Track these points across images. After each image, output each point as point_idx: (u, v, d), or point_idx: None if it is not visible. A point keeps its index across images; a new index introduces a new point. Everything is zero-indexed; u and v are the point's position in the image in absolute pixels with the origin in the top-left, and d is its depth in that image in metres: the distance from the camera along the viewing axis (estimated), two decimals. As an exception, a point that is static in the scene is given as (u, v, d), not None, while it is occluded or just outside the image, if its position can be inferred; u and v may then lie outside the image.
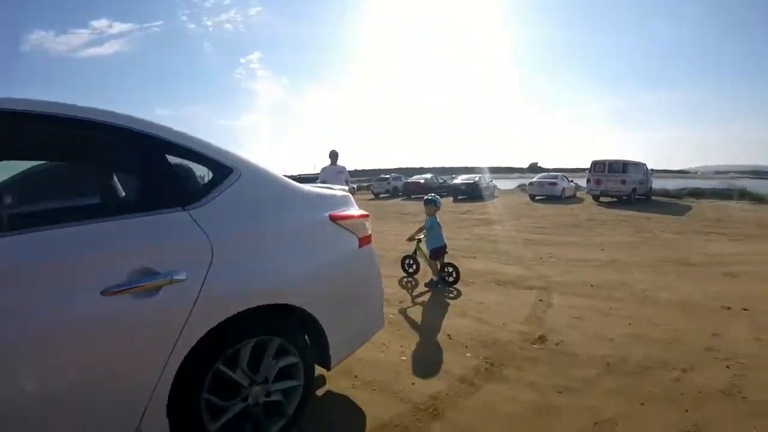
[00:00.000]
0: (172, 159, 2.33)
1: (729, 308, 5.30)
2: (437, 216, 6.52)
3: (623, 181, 22.69)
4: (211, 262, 2.13)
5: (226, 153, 2.46)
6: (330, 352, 2.71)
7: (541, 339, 4.40)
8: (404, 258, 7.07)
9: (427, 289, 6.30)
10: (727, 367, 3.73)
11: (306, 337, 2.70)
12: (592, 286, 6.38)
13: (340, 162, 9.01)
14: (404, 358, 4.03)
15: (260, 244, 2.40)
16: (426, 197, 6.67)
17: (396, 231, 12.78)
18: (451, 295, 6.03)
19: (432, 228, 6.38)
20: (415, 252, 6.86)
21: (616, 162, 23.26)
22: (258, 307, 2.31)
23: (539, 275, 7.07)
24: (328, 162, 8.95)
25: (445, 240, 6.45)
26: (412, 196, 29.68)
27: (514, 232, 12.37)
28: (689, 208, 19.91)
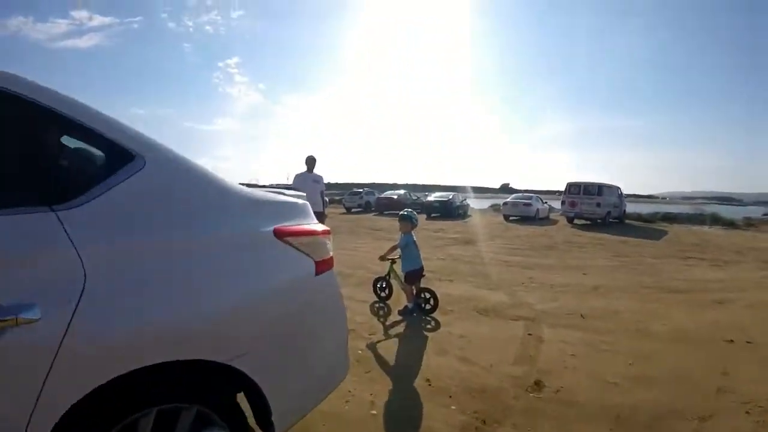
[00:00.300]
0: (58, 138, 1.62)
1: (731, 341, 4.89)
2: (413, 234, 5.87)
3: (598, 204, 22.45)
4: (82, 292, 1.38)
5: (129, 133, 1.67)
6: (273, 418, 1.87)
7: (538, 385, 3.73)
8: (376, 280, 6.37)
9: (401, 318, 5.61)
10: (747, 413, 3.30)
11: (237, 399, 1.92)
12: (582, 316, 5.83)
13: (317, 171, 8.32)
14: (374, 411, 3.27)
15: (164, 265, 1.60)
16: (402, 213, 5.96)
17: (368, 247, 12.22)
18: (428, 325, 5.38)
19: (407, 247, 5.72)
20: (388, 273, 6.14)
21: (592, 185, 23.02)
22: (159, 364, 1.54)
23: (523, 302, 6.50)
24: (303, 170, 8.24)
25: (422, 261, 5.87)
26: (385, 212, 28.99)
27: (491, 254, 11.82)
28: (665, 232, 19.92)
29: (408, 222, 5.76)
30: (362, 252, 11.39)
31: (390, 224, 19.84)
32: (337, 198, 41.81)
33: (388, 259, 6.06)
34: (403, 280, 5.77)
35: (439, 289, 6.45)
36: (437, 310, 5.70)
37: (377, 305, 6.12)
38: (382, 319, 5.56)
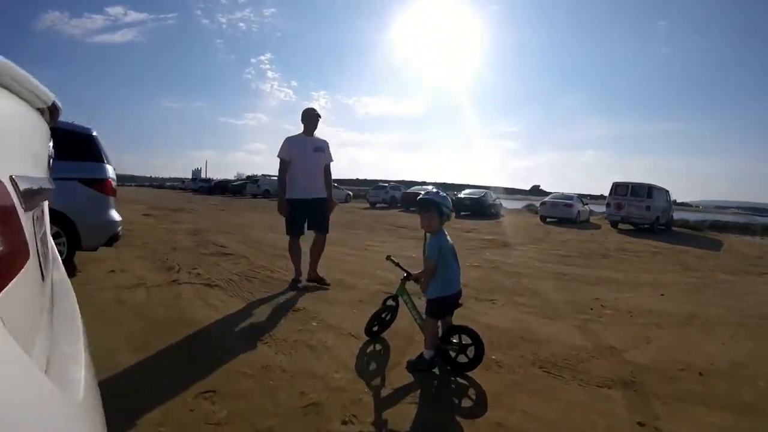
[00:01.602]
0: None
1: None
2: (446, 232, 3.51)
3: (648, 207, 20.30)
4: None
5: None
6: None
7: None
8: (383, 306, 4.07)
9: (410, 376, 3.36)
10: None
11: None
12: (701, 374, 3.71)
13: (319, 134, 6.08)
14: None
15: None
16: (421, 196, 3.51)
17: (384, 248, 10.23)
18: (462, 398, 3.13)
19: (438, 256, 3.37)
20: (396, 296, 3.96)
21: (641, 185, 20.86)
22: None
23: (604, 346, 4.32)
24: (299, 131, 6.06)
25: (460, 281, 3.56)
26: (411, 209, 27.19)
27: (537, 261, 9.66)
28: (719, 243, 17.83)
29: (433, 211, 3.40)
30: (374, 252, 9.44)
31: (415, 221, 17.75)
32: (362, 193, 41.39)
33: (395, 264, 3.96)
34: (425, 312, 3.50)
35: (478, 317, 4.50)
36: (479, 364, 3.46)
37: (369, 348, 3.93)
38: (376, 380, 3.30)
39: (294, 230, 5.82)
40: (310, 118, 5.95)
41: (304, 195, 5.75)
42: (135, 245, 8.56)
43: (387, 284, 6.00)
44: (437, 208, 3.39)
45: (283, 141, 5.91)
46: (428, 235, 3.44)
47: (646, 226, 20.70)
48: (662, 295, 6.85)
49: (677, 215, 26.60)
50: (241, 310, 4.78)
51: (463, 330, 3.45)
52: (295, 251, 5.91)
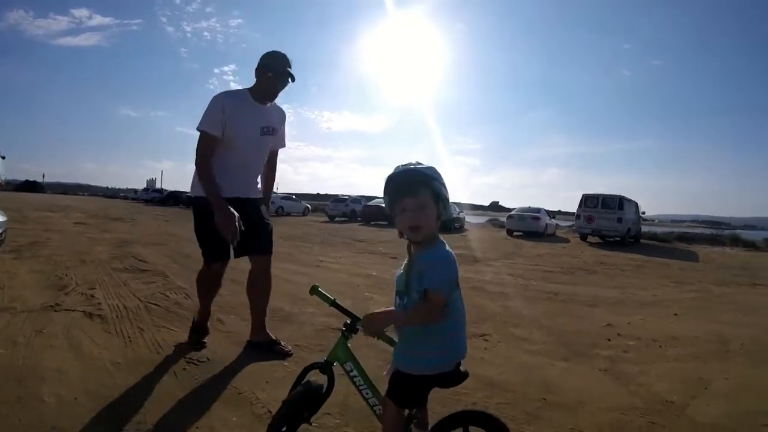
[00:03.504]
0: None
1: None
2: (447, 246, 1.66)
3: (619, 219, 19.72)
4: None
5: None
6: None
7: None
8: (300, 388, 1.93)
9: None
10: None
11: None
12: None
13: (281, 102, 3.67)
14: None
15: None
16: (398, 169, 1.65)
17: (338, 264, 8.94)
18: None
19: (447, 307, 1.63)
20: (329, 364, 1.94)
21: (611, 197, 20.30)
22: None
23: (655, 400, 3.00)
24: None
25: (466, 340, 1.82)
26: (371, 222, 26.16)
27: (519, 279, 8.33)
28: (694, 254, 17.45)
29: (426, 194, 1.60)
30: (327, 270, 8.13)
31: (375, 235, 17.17)
32: (322, 207, 40.21)
33: (330, 303, 2.01)
34: (389, 394, 1.73)
35: (470, 365, 3.06)
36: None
37: None
38: None
39: (216, 250, 3.32)
40: (277, 74, 3.36)
41: (237, 192, 3.35)
42: (40, 255, 7.29)
43: (341, 315, 4.25)
44: (431, 187, 1.62)
45: (211, 100, 3.28)
46: (414, 249, 1.68)
47: (617, 238, 20.09)
48: (675, 314, 5.88)
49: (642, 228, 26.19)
50: (108, 362, 3.11)
51: (472, 419, 1.83)
52: (208, 283, 3.50)
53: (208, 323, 3.66)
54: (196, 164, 3.22)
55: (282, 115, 3.66)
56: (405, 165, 1.66)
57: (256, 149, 3.47)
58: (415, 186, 1.61)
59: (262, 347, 3.49)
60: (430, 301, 1.57)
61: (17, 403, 2.44)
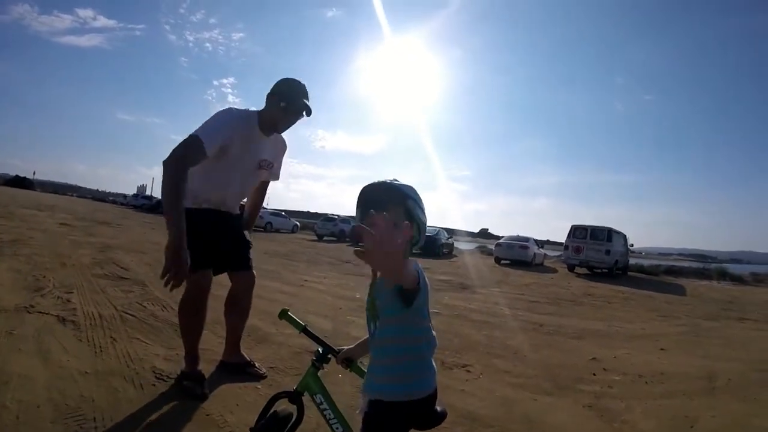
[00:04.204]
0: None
1: None
2: (419, 267, 1.38)
3: (607, 251, 19.66)
4: None
5: None
6: None
7: None
8: (267, 420, 1.83)
9: None
10: None
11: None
12: None
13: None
14: None
15: None
16: (368, 187, 1.52)
17: (322, 284, 8.81)
18: None
19: (402, 329, 1.48)
20: (298, 394, 1.84)
21: (600, 229, 20.28)
22: None
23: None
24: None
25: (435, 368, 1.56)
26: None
27: (504, 308, 8.22)
28: (681, 287, 17.37)
29: (398, 209, 1.47)
30: (311, 290, 7.96)
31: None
32: (311, 225, 39.94)
33: (300, 329, 1.98)
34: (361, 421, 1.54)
35: (450, 397, 3.16)
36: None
37: None
38: None
39: (199, 261, 2.68)
40: (292, 107, 2.98)
41: (218, 205, 3.06)
42: (20, 255, 7.19)
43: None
44: (404, 206, 1.49)
45: (224, 115, 2.88)
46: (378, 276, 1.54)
47: (604, 270, 20.03)
48: (662, 349, 5.81)
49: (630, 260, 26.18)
50: (74, 370, 2.98)
51: None
52: (193, 311, 2.99)
53: (197, 364, 3.04)
54: (167, 163, 2.53)
55: (283, 147, 3.36)
56: (380, 183, 1.53)
57: (248, 178, 3.19)
58: (388, 201, 1.48)
59: (236, 368, 3.32)
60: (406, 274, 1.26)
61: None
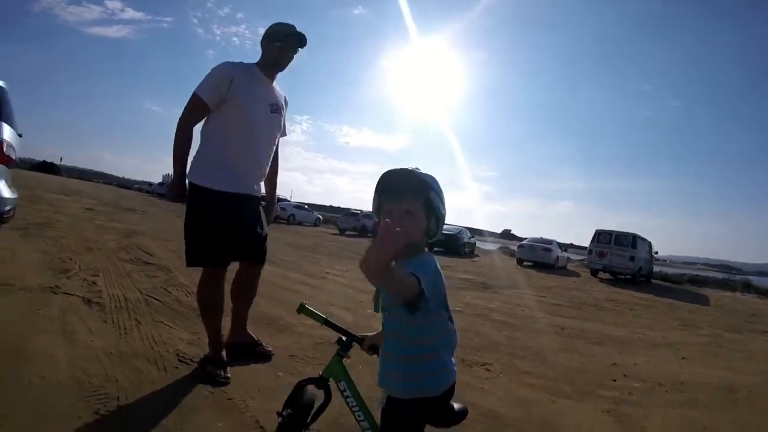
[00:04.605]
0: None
1: None
2: (435, 260, 1.47)
3: (632, 258, 19.37)
4: None
5: None
6: None
7: None
8: (297, 400, 1.82)
9: None
10: None
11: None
12: None
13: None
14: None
15: None
16: (390, 173, 1.49)
17: (344, 278, 8.92)
18: None
19: (430, 294, 1.31)
20: (324, 379, 1.83)
21: (625, 235, 20.02)
22: None
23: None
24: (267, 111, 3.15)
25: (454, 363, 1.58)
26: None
27: (525, 309, 8.18)
28: (705, 297, 16.87)
29: (418, 201, 1.45)
30: (332, 282, 8.16)
31: None
32: (333, 219, 40.05)
33: (321, 321, 1.95)
34: (380, 412, 1.58)
35: (470, 395, 3.26)
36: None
37: None
38: None
39: (213, 255, 2.95)
40: (287, 41, 3.09)
41: (242, 188, 3.02)
42: (47, 236, 7.29)
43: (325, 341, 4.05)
44: (424, 196, 1.46)
45: (217, 67, 3.01)
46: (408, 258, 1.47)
47: (627, 276, 19.75)
48: (683, 358, 5.70)
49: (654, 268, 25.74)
50: (99, 350, 3.03)
51: None
52: (214, 301, 3.06)
53: (222, 352, 3.08)
54: (178, 127, 2.94)
55: (285, 99, 3.37)
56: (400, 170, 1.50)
57: (267, 129, 3.15)
58: (407, 190, 1.46)
59: (243, 348, 3.35)
60: (403, 281, 1.26)
61: (1, 381, 2.40)
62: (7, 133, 4.51)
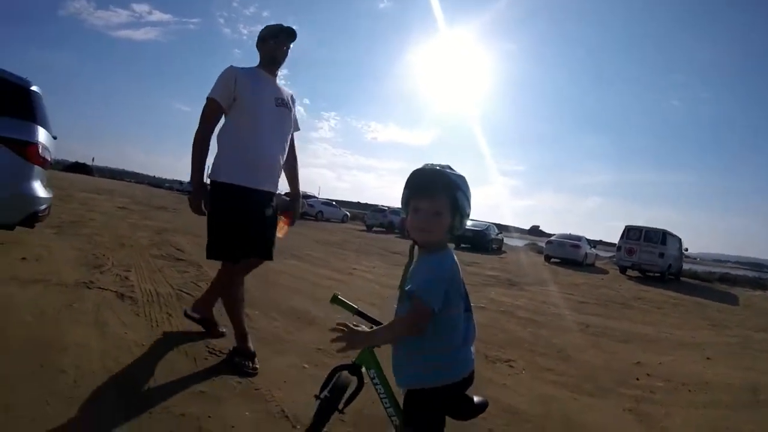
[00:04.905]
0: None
1: None
2: (453, 257, 1.60)
3: (661, 254, 19.02)
4: None
5: None
6: None
7: None
8: (333, 386, 1.86)
9: None
10: None
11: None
12: None
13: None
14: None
15: None
16: (420, 167, 1.59)
17: (371, 274, 9.00)
18: None
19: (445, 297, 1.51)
20: (357, 366, 1.90)
21: (655, 231, 19.64)
22: None
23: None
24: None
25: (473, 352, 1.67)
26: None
27: (550, 306, 8.15)
28: (734, 296, 16.43)
29: (443, 199, 1.54)
30: (359, 278, 8.16)
31: None
32: (361, 216, 40.52)
33: (353, 311, 2.01)
34: (404, 412, 1.69)
35: (492, 390, 3.31)
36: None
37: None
38: None
39: (236, 251, 3.10)
40: (279, 37, 3.30)
41: (263, 184, 3.17)
42: (81, 234, 7.49)
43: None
44: (452, 195, 1.54)
45: (224, 71, 3.15)
46: (418, 251, 1.66)
47: (657, 274, 19.40)
48: (708, 359, 5.61)
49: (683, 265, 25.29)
50: (131, 341, 3.16)
51: None
52: (228, 294, 3.23)
53: (248, 343, 3.17)
54: (197, 132, 3.09)
55: (292, 96, 3.48)
56: (435, 165, 1.59)
57: (276, 124, 3.26)
58: (437, 189, 1.54)
59: (199, 320, 3.53)
60: (414, 308, 1.50)
61: (38, 369, 2.51)
62: (42, 135, 4.69)
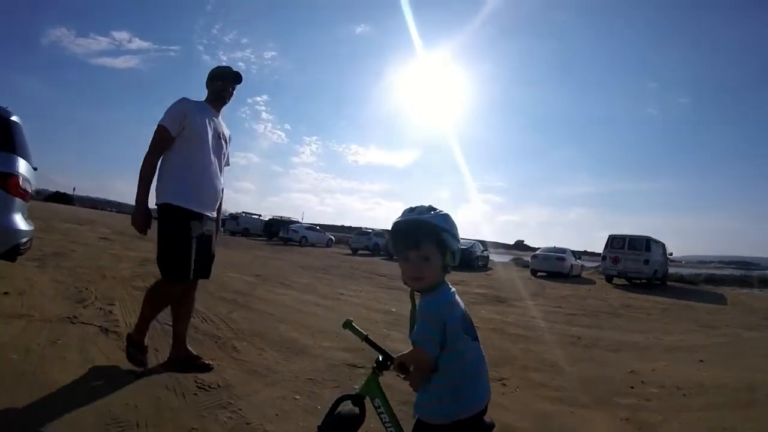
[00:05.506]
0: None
1: None
2: (449, 291, 1.62)
3: (646, 261, 19.17)
4: None
5: None
6: None
7: None
8: (333, 417, 1.78)
9: None
10: None
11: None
12: None
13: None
14: None
15: None
16: (398, 218, 1.62)
17: (358, 298, 8.91)
18: None
19: (446, 340, 1.53)
20: (360, 397, 1.81)
21: (638, 238, 19.81)
22: None
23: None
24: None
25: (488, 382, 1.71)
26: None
27: (540, 320, 8.14)
28: (722, 296, 16.79)
29: (430, 246, 1.55)
30: (347, 303, 8.06)
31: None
32: (345, 240, 40.80)
33: (362, 338, 1.90)
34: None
35: (488, 410, 2.96)
36: None
37: None
38: None
39: (187, 271, 3.28)
40: (227, 79, 3.61)
41: (207, 209, 3.47)
42: (63, 266, 7.42)
43: (357, 351, 4.26)
44: (437, 238, 1.55)
45: (177, 102, 3.42)
46: (418, 295, 1.67)
47: (643, 280, 19.58)
48: (701, 361, 5.65)
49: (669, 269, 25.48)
50: (116, 376, 3.12)
51: None
52: (160, 307, 3.52)
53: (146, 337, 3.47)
54: (148, 157, 3.34)
55: (230, 135, 3.82)
56: (414, 210, 1.60)
57: (216, 155, 3.55)
58: (419, 238, 1.56)
59: (184, 363, 3.48)
60: (415, 351, 1.53)
61: (25, 410, 2.45)
62: (23, 167, 4.62)
